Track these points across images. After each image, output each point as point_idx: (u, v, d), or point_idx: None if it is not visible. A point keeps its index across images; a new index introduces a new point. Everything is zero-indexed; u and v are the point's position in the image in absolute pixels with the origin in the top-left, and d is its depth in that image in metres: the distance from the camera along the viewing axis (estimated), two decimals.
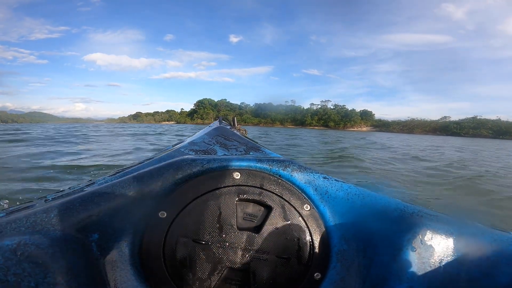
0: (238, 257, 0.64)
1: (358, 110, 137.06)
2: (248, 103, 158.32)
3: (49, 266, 0.43)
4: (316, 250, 0.67)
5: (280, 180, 0.69)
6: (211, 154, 0.93)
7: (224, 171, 0.67)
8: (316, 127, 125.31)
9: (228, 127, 1.42)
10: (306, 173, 0.70)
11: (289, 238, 0.66)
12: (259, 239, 0.65)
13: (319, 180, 0.70)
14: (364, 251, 0.66)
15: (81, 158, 5.37)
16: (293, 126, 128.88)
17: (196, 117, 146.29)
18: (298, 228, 0.67)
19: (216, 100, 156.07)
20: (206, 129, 1.34)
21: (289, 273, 0.65)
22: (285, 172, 0.70)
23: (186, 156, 0.70)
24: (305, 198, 0.69)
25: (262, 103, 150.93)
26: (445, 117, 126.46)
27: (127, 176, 0.63)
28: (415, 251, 0.58)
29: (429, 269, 0.56)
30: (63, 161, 4.88)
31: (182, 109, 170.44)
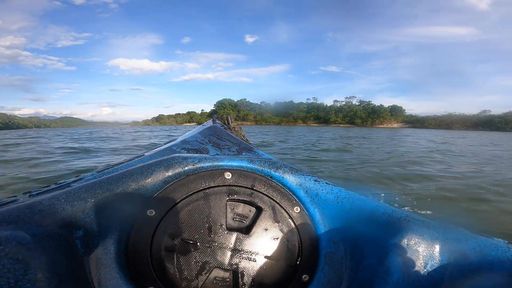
0: (227, 258, 0.63)
1: (387, 106, 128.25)
2: (269, 102, 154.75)
3: (30, 263, 0.42)
4: (305, 252, 0.67)
5: (271, 182, 0.69)
6: (203, 153, 0.92)
7: (215, 170, 0.66)
8: (342, 125, 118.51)
9: (223, 126, 1.41)
10: (297, 175, 0.70)
11: (278, 239, 0.66)
12: (248, 240, 0.64)
13: (310, 183, 0.70)
14: (352, 254, 0.66)
15: None
16: (316, 124, 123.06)
17: (217, 118, 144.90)
18: (287, 230, 0.67)
19: (236, 100, 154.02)
20: (199, 128, 1.32)
21: (277, 275, 0.65)
22: (276, 174, 0.69)
23: (178, 154, 0.68)
24: (295, 200, 0.69)
25: (283, 101, 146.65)
26: (484, 111, 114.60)
27: (116, 173, 0.62)
28: (401, 255, 0.59)
29: (413, 273, 0.57)
30: None
31: (202, 110, 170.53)
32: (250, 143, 1.24)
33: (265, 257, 0.65)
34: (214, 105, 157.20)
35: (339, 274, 0.66)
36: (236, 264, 0.63)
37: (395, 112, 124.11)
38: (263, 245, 0.65)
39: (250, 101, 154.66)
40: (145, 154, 0.96)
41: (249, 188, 0.67)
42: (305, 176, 0.71)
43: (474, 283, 0.52)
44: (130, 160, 0.90)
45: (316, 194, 0.70)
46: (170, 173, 0.63)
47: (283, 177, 0.69)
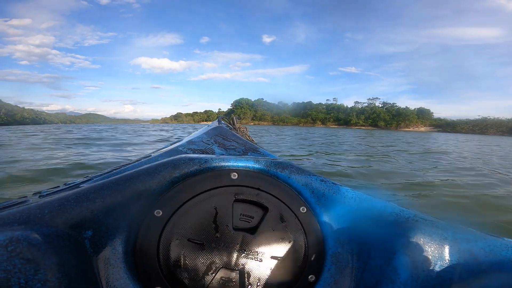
0: (233, 258, 0.63)
1: (413, 108, 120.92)
2: (286, 102, 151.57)
3: (40, 263, 0.42)
4: (311, 252, 0.67)
5: (277, 182, 0.69)
6: (209, 154, 0.92)
7: (221, 171, 0.67)
8: (363, 127, 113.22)
9: (228, 127, 1.43)
10: (303, 175, 0.70)
11: (284, 239, 0.66)
12: (254, 240, 0.65)
13: (317, 183, 0.70)
14: (359, 254, 0.66)
15: None
16: (336, 126, 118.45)
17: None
18: (294, 230, 0.67)
19: (253, 100, 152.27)
20: (205, 129, 1.33)
21: (283, 275, 0.65)
22: (282, 174, 0.70)
23: (184, 155, 0.69)
24: (301, 200, 0.69)
25: (301, 102, 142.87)
26: None
27: (123, 174, 0.63)
28: (409, 255, 0.58)
29: (422, 273, 0.56)
30: None
31: (219, 109, 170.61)
32: (256, 144, 1.25)
33: (272, 257, 0.65)
34: (231, 104, 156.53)
35: (345, 274, 0.66)
36: (243, 264, 0.63)
37: (422, 115, 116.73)
38: (270, 245, 0.65)
39: (268, 101, 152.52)
40: (152, 155, 0.97)
41: (255, 188, 0.67)
42: (311, 176, 0.71)
43: (483, 283, 0.52)
44: (137, 161, 0.91)
45: (322, 194, 0.70)
46: (176, 174, 0.64)
47: (289, 177, 0.70)
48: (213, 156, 0.71)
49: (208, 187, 0.65)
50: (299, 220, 0.67)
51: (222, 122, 1.54)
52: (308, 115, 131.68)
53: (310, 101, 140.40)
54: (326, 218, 0.69)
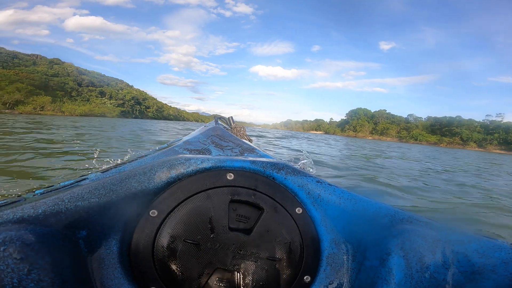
0: (229, 258, 0.63)
1: None
2: (419, 116, 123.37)
3: (34, 263, 0.42)
4: (307, 253, 0.67)
5: (273, 183, 0.69)
6: (205, 154, 0.92)
7: (217, 171, 0.66)
8: None
9: (225, 127, 1.44)
10: (299, 176, 0.70)
11: (280, 240, 0.66)
12: (250, 240, 0.64)
13: (312, 184, 0.70)
14: (354, 255, 0.67)
15: None
16: (503, 152, 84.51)
17: (347, 129, 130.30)
18: (289, 231, 0.67)
19: (372, 111, 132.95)
20: (201, 129, 1.34)
21: (279, 275, 0.65)
22: (278, 175, 0.69)
23: (180, 155, 0.68)
24: (297, 201, 0.69)
25: (443, 116, 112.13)
26: None
27: (119, 173, 0.62)
28: (403, 256, 0.58)
29: (416, 274, 0.57)
30: None
31: (331, 119, 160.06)
32: (253, 144, 1.26)
33: (267, 258, 0.65)
34: (346, 114, 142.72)
35: (341, 275, 0.67)
36: (238, 264, 0.63)
37: None
38: (265, 246, 0.65)
39: (392, 113, 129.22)
40: (148, 155, 0.99)
41: (251, 189, 0.67)
42: (307, 177, 0.71)
43: (477, 284, 0.53)
44: (133, 160, 0.91)
45: (318, 195, 0.70)
46: (172, 174, 0.64)
47: (285, 178, 0.69)
48: (209, 156, 0.70)
49: (204, 187, 0.65)
50: (294, 221, 0.68)
51: (219, 122, 1.53)
52: (454, 134, 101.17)
53: (459, 116, 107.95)
54: (322, 219, 0.69)
